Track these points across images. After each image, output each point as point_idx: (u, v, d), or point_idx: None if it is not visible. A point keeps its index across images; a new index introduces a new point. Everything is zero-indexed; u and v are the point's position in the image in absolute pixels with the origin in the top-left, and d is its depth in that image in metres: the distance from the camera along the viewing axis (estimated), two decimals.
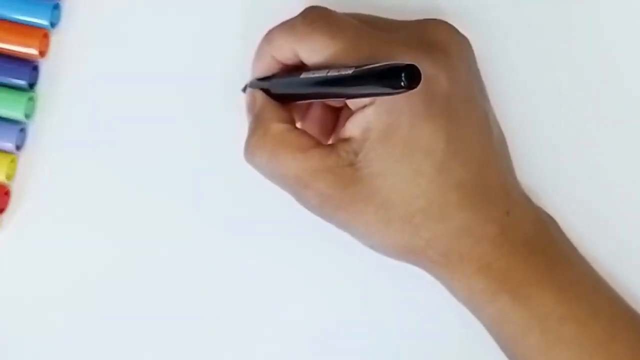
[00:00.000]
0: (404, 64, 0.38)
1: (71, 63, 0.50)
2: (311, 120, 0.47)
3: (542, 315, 0.43)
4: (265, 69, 0.46)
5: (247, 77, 0.49)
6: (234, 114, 0.49)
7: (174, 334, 0.50)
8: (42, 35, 0.50)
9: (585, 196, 0.49)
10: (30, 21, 0.49)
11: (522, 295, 0.43)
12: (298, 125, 0.47)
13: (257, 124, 0.45)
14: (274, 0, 0.50)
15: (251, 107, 0.46)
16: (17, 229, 0.50)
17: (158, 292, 0.50)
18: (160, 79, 0.50)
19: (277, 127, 0.44)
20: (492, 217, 0.44)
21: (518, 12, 0.49)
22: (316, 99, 0.44)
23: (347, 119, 0.43)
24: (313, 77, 0.43)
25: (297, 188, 0.44)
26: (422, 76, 0.40)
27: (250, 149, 0.45)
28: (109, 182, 0.50)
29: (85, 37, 0.50)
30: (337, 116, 0.47)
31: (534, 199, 0.47)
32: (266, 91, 0.46)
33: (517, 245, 0.44)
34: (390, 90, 0.38)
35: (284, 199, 0.45)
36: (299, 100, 0.45)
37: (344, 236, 0.45)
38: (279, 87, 0.46)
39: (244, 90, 0.48)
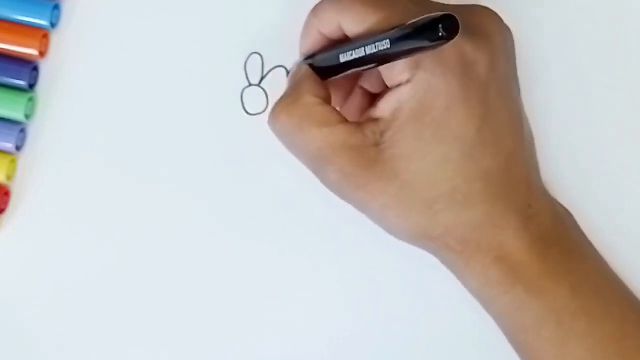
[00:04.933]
0: (440, 14, 0.38)
1: (71, 63, 0.50)
2: (351, 104, 0.47)
3: (556, 309, 0.43)
4: (312, 44, 0.46)
5: (249, 76, 0.49)
6: (235, 114, 0.49)
7: (179, 334, 0.50)
8: (41, 36, 0.49)
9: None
10: (30, 21, 0.49)
11: (537, 288, 0.43)
12: (337, 109, 0.46)
13: (290, 91, 0.45)
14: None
15: (293, 75, 0.46)
16: (17, 229, 0.50)
17: (160, 292, 0.50)
18: (161, 79, 0.50)
19: (308, 98, 0.44)
20: (514, 208, 0.43)
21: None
22: (355, 67, 0.43)
23: (375, 104, 0.43)
24: (353, 44, 0.43)
25: (318, 162, 0.44)
26: (462, 59, 0.40)
27: (276, 114, 0.44)
28: (108, 182, 0.50)
29: (85, 37, 0.50)
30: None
31: (552, 192, 0.47)
32: (311, 66, 0.46)
33: (535, 238, 0.44)
34: (429, 43, 0.38)
35: (291, 194, 0.46)
36: (341, 72, 0.44)
37: (357, 231, 0.45)
38: (322, 61, 0.45)
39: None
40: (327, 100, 0.45)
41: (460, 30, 0.38)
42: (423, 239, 0.44)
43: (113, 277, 0.50)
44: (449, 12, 0.38)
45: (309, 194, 0.49)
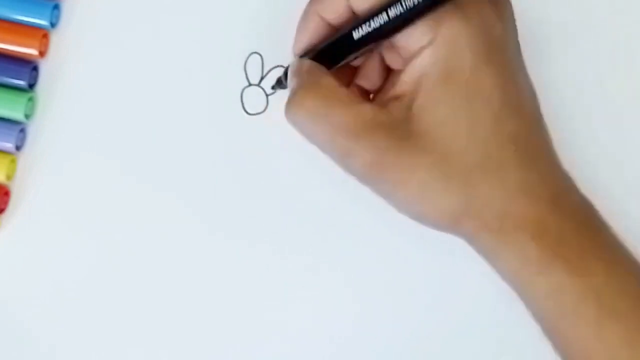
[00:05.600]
0: None
1: (71, 63, 0.50)
2: (362, 77, 0.45)
3: (597, 287, 0.41)
4: (310, 35, 0.44)
5: (249, 76, 0.49)
6: (235, 114, 0.49)
7: (180, 334, 0.50)
8: (41, 36, 0.50)
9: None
10: (30, 21, 0.49)
11: (577, 266, 0.41)
12: None
13: (304, 79, 0.43)
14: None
15: (297, 72, 0.44)
16: (17, 229, 0.50)
17: (160, 291, 0.50)
18: (160, 79, 0.50)
19: (329, 80, 0.42)
20: (547, 178, 0.42)
21: None
22: (371, 44, 0.41)
23: (396, 82, 0.42)
24: (363, 17, 0.41)
25: (349, 143, 0.41)
26: (482, 18, 0.39)
27: (298, 100, 0.42)
28: (108, 182, 0.50)
29: (85, 37, 0.50)
30: (387, 75, 0.45)
31: None
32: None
33: (569, 213, 0.42)
34: None
35: (291, 194, 0.46)
36: (352, 53, 0.43)
37: (357, 231, 0.45)
38: (325, 51, 0.43)
39: (274, 87, 0.48)
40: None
41: None
42: (462, 219, 0.42)
43: (113, 277, 0.50)
44: None
45: (309, 193, 0.49)
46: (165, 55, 0.50)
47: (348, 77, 0.46)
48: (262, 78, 0.50)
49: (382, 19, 0.41)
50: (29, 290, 0.50)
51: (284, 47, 0.48)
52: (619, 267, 0.43)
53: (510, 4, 0.44)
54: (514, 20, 0.44)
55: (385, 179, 0.42)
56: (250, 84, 0.50)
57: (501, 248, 0.42)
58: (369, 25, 0.41)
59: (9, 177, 0.50)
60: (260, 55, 0.50)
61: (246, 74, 0.50)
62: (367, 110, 0.41)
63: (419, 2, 0.39)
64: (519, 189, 0.42)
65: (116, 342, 0.50)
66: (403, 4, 0.40)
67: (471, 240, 0.43)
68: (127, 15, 0.50)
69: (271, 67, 0.50)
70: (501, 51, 0.42)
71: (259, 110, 0.50)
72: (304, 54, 0.45)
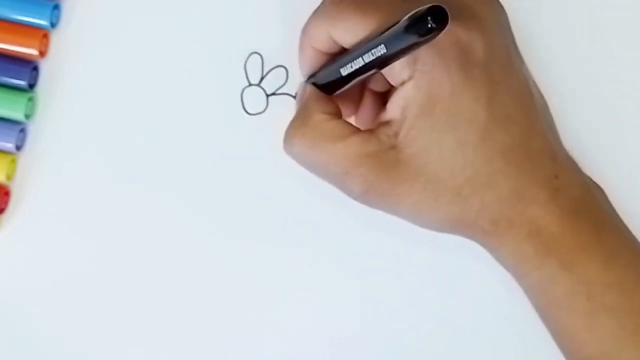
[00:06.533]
0: (426, 7, 0.38)
1: (71, 63, 0.50)
2: (364, 110, 0.47)
3: (588, 282, 0.43)
4: (310, 63, 0.46)
5: (249, 76, 0.49)
6: (235, 114, 0.49)
7: (180, 333, 0.50)
8: (42, 36, 0.49)
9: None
10: (30, 21, 0.49)
11: (569, 261, 0.43)
12: (352, 119, 0.47)
13: (299, 113, 0.45)
14: None
15: (300, 98, 0.46)
16: (17, 229, 0.50)
17: (160, 291, 0.50)
18: (161, 79, 0.50)
19: (317, 117, 0.44)
20: (540, 181, 0.43)
21: None
22: (357, 77, 0.43)
23: (384, 108, 0.43)
24: (351, 55, 0.43)
25: (340, 177, 0.44)
26: (457, 44, 0.40)
27: (289, 139, 0.45)
28: (108, 182, 0.50)
29: (85, 37, 0.50)
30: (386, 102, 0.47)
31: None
32: (316, 85, 0.46)
33: (565, 210, 0.43)
34: (422, 38, 0.38)
35: (291, 193, 0.47)
36: (344, 84, 0.44)
37: (357, 230, 0.46)
38: (322, 78, 0.46)
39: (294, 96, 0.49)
40: (336, 114, 0.45)
41: (450, 17, 0.38)
42: (457, 226, 0.44)
43: (113, 277, 0.50)
44: (435, 3, 0.38)
45: (309, 193, 0.49)
46: (165, 55, 0.50)
47: (355, 95, 0.47)
48: (262, 78, 0.50)
49: (361, 61, 0.42)
50: (29, 291, 0.50)
51: (284, 47, 0.49)
52: (616, 261, 0.44)
53: (496, 14, 0.44)
54: (502, 29, 0.45)
55: (378, 203, 0.44)
56: (250, 84, 0.50)
57: (497, 246, 0.44)
58: (351, 67, 0.43)
59: (9, 177, 0.50)
60: (260, 55, 0.50)
61: (246, 74, 0.50)
62: (353, 144, 0.43)
63: (384, 53, 0.41)
64: (511, 196, 0.43)
65: (116, 341, 0.50)
66: (373, 54, 0.41)
67: (474, 240, 0.45)
68: (127, 15, 0.50)
69: (271, 67, 0.50)
70: (482, 70, 0.43)
71: (259, 110, 0.50)
72: (312, 75, 0.47)
